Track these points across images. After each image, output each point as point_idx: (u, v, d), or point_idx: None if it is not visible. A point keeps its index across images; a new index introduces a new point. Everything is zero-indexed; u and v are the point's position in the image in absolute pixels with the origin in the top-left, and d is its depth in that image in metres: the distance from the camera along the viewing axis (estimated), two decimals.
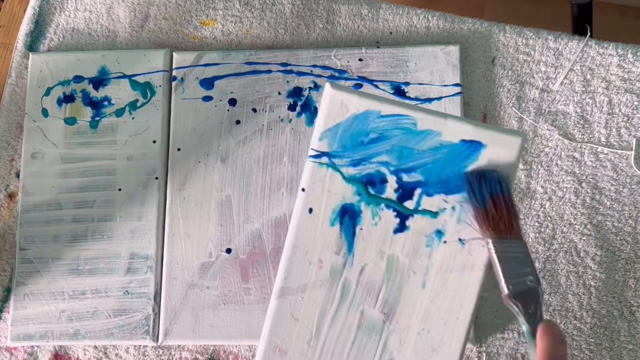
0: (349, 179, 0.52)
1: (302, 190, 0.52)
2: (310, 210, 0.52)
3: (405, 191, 0.51)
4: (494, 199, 0.48)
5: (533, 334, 0.46)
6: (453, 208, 0.51)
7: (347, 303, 0.52)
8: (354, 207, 0.52)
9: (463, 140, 0.51)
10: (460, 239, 0.51)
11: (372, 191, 0.51)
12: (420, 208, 0.51)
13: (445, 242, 0.51)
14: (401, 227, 0.51)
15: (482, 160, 0.50)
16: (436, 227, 0.51)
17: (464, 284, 0.51)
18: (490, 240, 0.48)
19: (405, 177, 0.51)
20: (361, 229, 0.52)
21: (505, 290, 0.47)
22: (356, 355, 0.51)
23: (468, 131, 0.50)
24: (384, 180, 0.51)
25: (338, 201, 0.52)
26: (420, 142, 0.51)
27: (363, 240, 0.52)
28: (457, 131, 0.51)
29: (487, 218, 0.48)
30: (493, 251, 0.48)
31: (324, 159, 0.52)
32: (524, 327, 0.46)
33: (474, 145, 0.50)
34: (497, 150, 0.50)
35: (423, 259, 0.51)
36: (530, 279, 0.47)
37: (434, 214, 0.51)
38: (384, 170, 0.51)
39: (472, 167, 0.50)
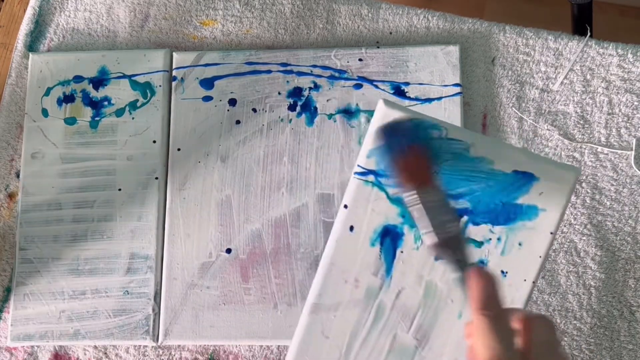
0: (394, 200, 0.50)
1: (345, 207, 0.51)
2: (352, 228, 0.51)
3: None
4: (409, 150, 0.47)
5: (463, 280, 0.45)
6: (498, 239, 0.50)
7: (380, 325, 0.51)
8: (397, 229, 0.51)
9: (515, 171, 0.49)
10: (502, 271, 0.50)
11: None
12: (465, 236, 0.49)
13: None
14: None
15: (533, 192, 0.49)
16: (479, 257, 0.50)
17: None
18: (412, 192, 0.47)
19: (452, 203, 0.50)
20: (402, 252, 0.51)
21: (434, 239, 0.46)
22: None
23: (522, 162, 0.49)
24: None
25: (381, 221, 0.51)
26: (472, 168, 0.49)
27: (403, 264, 0.51)
28: (510, 161, 0.49)
29: (405, 168, 0.47)
30: (416, 201, 0.46)
31: (370, 177, 0.50)
32: (454, 276, 0.45)
33: (526, 177, 0.49)
34: (549, 183, 0.49)
35: (462, 288, 0.50)
36: (455, 224, 0.46)
37: (479, 244, 0.50)
38: None
39: (521, 198, 0.49)
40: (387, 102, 0.49)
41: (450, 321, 0.50)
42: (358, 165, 0.50)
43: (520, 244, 0.50)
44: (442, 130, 0.49)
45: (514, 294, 0.49)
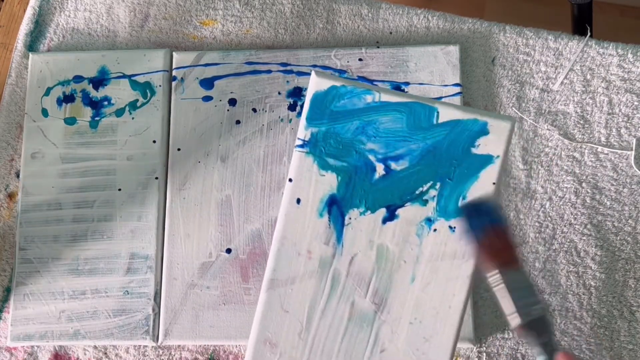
0: (334, 168, 0.52)
1: (290, 181, 0.52)
2: (298, 201, 0.52)
3: None
4: (494, 230, 0.48)
5: None
6: (441, 195, 0.51)
7: (338, 294, 0.52)
8: (341, 197, 0.52)
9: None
10: (450, 227, 0.51)
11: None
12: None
13: (435, 230, 0.51)
14: (390, 216, 0.51)
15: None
16: (426, 215, 0.51)
17: (456, 272, 0.50)
18: (495, 272, 0.47)
19: (394, 165, 0.51)
20: (350, 218, 0.51)
21: (519, 321, 0.46)
22: (348, 347, 0.51)
23: (457, 116, 0.51)
24: (372, 169, 0.51)
25: (326, 191, 0.52)
26: (410, 128, 0.51)
27: (352, 230, 0.51)
28: (446, 117, 0.51)
29: (489, 250, 0.47)
30: (501, 282, 0.47)
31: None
32: (541, 358, 0.45)
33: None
34: (488, 135, 0.50)
35: (413, 248, 0.51)
36: (540, 307, 0.46)
37: (424, 202, 0.51)
38: (371, 158, 0.51)
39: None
40: (318, 72, 0.52)
41: (406, 283, 0.51)
42: (298, 138, 0.51)
43: (464, 198, 0.51)
44: (375, 94, 0.50)
45: (465, 249, 0.50)
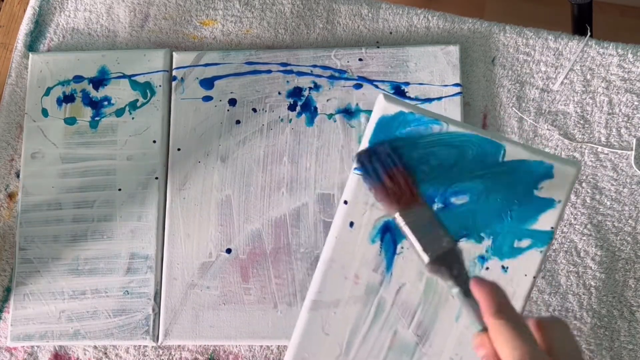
0: None
1: (345, 203, 0.50)
2: (352, 224, 0.51)
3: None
4: (388, 173, 0.47)
5: (465, 293, 0.44)
6: (498, 234, 0.49)
7: (381, 322, 0.51)
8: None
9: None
10: (503, 267, 0.49)
11: None
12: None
13: (487, 268, 0.49)
14: None
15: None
16: (480, 253, 0.50)
17: None
18: (397, 214, 0.46)
19: (453, 199, 0.49)
20: (402, 247, 0.50)
21: (426, 259, 0.45)
22: None
23: (523, 157, 0.49)
24: (430, 200, 0.50)
25: (381, 217, 0.50)
26: (474, 162, 0.49)
27: (403, 260, 0.50)
28: (512, 156, 0.49)
29: (387, 193, 0.47)
30: (403, 224, 0.46)
31: None
32: (454, 291, 0.45)
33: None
34: (550, 179, 0.49)
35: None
36: (447, 240, 0.45)
37: (479, 239, 0.50)
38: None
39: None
40: (387, 97, 0.49)
41: (451, 318, 0.50)
42: None
43: (519, 239, 0.49)
44: (443, 124, 0.49)
45: (515, 290, 0.49)
